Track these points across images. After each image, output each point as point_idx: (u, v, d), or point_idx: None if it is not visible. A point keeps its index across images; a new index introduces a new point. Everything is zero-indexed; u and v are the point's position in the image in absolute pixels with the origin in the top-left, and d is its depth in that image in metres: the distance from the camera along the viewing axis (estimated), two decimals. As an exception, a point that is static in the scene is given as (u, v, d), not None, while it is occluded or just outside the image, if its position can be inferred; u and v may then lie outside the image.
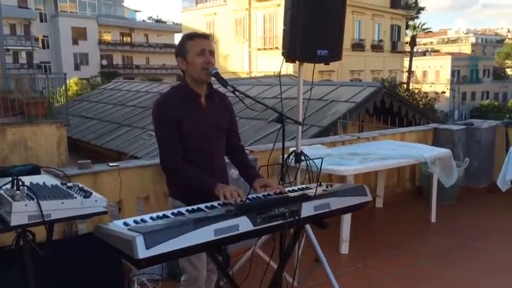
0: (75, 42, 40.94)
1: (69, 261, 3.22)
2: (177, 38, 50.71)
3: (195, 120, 2.42)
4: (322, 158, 2.27)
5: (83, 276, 3.26)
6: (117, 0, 46.96)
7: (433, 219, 4.90)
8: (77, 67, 40.28)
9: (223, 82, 2.34)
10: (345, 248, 4.10)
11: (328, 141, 4.97)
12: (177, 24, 48.71)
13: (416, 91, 30.68)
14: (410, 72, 38.20)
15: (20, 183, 1.85)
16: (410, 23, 38.25)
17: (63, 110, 9.90)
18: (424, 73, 51.58)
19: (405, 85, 32.00)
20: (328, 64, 3.22)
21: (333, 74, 28.55)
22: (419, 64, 50.61)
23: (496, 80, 54.87)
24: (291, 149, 3.42)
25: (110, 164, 3.66)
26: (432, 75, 51.64)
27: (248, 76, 27.83)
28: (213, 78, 2.41)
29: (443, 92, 44.87)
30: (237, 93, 2.38)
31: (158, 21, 53.49)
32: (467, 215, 5.18)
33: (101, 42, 43.42)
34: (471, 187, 5.90)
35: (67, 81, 11.31)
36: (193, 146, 2.42)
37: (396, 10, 33.16)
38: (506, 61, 50.09)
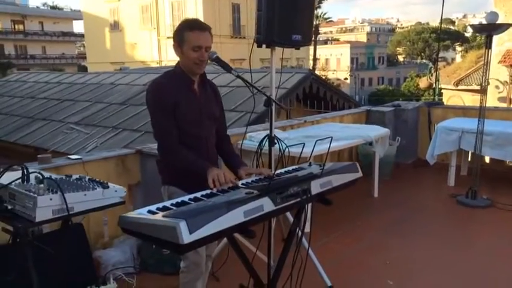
0: (-42, 30, 36.82)
1: (37, 262, 3.01)
2: (76, 26, 47.82)
3: (190, 106, 2.40)
4: (330, 142, 2.37)
5: (53, 275, 3.06)
6: (5, -16, 42.87)
7: (376, 194, 5.28)
8: (-39, 58, 36.30)
9: (227, 67, 2.34)
10: (307, 226, 4.27)
11: (279, 125, 5.11)
12: (75, 10, 45.82)
13: (323, 78, 32.12)
14: (315, 60, 39.90)
15: (41, 177, 1.72)
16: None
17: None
18: (327, 61, 54.23)
19: (312, 72, 33.35)
20: (298, 49, 3.34)
21: (244, 62, 28.88)
22: (322, 52, 53.01)
23: (389, 67, 59.34)
24: (264, 134, 3.49)
25: (72, 157, 3.46)
26: (334, 63, 54.48)
27: (159, 65, 27.14)
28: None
29: (346, 79, 47.55)
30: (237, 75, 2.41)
31: (54, 7, 49.89)
32: (402, 189, 5.65)
33: (-11, 30, 39.53)
34: (400, 163, 6.40)
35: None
36: (188, 131, 2.40)
37: (300, -1, 34.24)
38: (398, 48, 54.24)
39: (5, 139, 9.92)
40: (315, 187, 2.27)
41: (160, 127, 2.37)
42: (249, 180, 2.37)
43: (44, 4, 51.84)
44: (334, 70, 50.31)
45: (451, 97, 19.29)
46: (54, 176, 1.99)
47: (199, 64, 2.35)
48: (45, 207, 1.65)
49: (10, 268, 2.17)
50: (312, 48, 38.30)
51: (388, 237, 4.20)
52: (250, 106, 8.50)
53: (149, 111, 2.40)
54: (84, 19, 34.14)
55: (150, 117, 2.41)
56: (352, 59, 55.06)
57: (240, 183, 2.31)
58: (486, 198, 4.98)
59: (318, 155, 4.71)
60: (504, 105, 14.60)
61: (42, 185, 1.67)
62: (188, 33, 2.31)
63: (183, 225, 1.65)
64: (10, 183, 1.76)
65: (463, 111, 6.55)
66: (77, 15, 42.53)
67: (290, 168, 2.65)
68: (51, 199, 1.66)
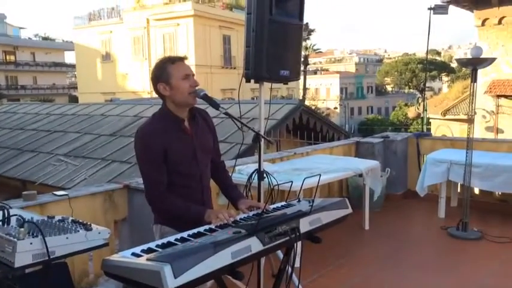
0: (-51, 61, 36.80)
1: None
2: (68, 56, 48.07)
3: (182, 147, 2.36)
4: (320, 175, 2.35)
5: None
6: (-2, 16, 43.18)
7: (367, 226, 5.23)
8: (-49, 88, 36.13)
9: (214, 104, 2.33)
10: (297, 261, 4.20)
11: (268, 158, 5.10)
12: (67, 42, 46.12)
13: (313, 107, 32.44)
14: (305, 89, 40.35)
15: (22, 219, 1.67)
16: (303, 43, 40.58)
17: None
18: (317, 90, 54.88)
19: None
20: (286, 84, 3.36)
21: (234, 91, 29.12)
22: (312, 82, 53.74)
23: (378, 96, 60.16)
24: (253, 167, 3.46)
25: (57, 194, 3.40)
26: (324, 92, 55.16)
27: (150, 96, 27.22)
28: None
29: (336, 108, 48.00)
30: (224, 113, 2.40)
31: (46, 38, 50.25)
32: (393, 221, 5.61)
33: (-20, 61, 39.55)
34: (390, 194, 6.38)
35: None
36: (182, 171, 2.37)
37: (290, 31, 34.85)
38: (386, 78, 55.08)
39: (-8, 171, 9.78)
40: (304, 225, 2.24)
41: (149, 177, 2.33)
42: (241, 216, 2.35)
43: (36, 35, 52.33)
44: (324, 99, 50.88)
45: (439, 126, 19.52)
46: (36, 218, 1.93)
47: (195, 92, 2.31)
48: (25, 252, 1.60)
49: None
50: (302, 78, 38.82)
51: (380, 271, 4.14)
52: (239, 137, 8.49)
53: (137, 160, 2.37)
54: (76, 50, 34.39)
55: (138, 165, 2.37)
56: (341, 89, 55.82)
57: (238, 217, 2.29)
58: (477, 231, 4.95)
59: (307, 188, 4.70)
60: (491, 134, 14.77)
61: (22, 229, 1.61)
62: (171, 66, 2.31)
63: (167, 270, 1.60)
64: (-10, 226, 1.70)
65: (452, 142, 6.59)
66: (68, 46, 42.76)
67: (279, 204, 2.62)
68: (31, 243, 1.61)
